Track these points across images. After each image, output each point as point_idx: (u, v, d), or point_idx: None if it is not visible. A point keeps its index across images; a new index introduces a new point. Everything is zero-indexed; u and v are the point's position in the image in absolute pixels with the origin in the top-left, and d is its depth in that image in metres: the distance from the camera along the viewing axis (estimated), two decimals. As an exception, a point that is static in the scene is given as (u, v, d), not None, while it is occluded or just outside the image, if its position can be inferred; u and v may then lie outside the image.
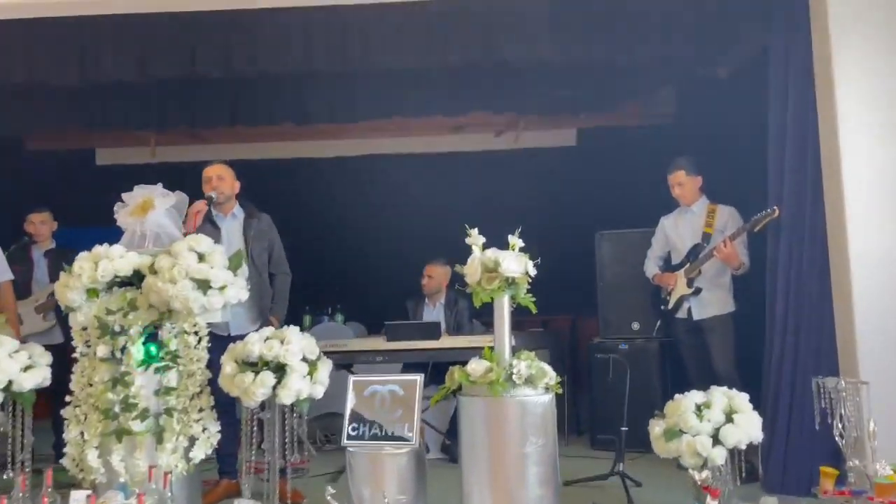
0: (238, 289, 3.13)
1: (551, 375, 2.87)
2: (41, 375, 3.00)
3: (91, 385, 2.98)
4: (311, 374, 3.05)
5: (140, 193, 3.24)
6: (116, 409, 2.93)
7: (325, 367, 3.12)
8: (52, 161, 8.41)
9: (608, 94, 6.01)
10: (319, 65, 4.51)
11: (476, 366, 2.85)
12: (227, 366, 3.01)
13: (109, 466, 2.94)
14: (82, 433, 2.96)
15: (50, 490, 2.83)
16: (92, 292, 3.05)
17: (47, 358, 3.10)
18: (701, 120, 5.42)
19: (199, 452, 3.02)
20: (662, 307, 4.27)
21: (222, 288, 3.06)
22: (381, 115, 6.08)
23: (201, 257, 3.06)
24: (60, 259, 4.02)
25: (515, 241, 2.98)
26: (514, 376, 2.76)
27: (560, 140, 8.45)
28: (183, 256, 3.01)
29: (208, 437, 3.07)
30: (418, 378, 3.04)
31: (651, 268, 4.39)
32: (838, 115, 3.43)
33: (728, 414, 3.00)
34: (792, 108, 3.65)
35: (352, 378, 3.15)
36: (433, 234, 8.13)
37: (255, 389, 2.91)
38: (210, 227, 3.83)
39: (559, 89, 5.81)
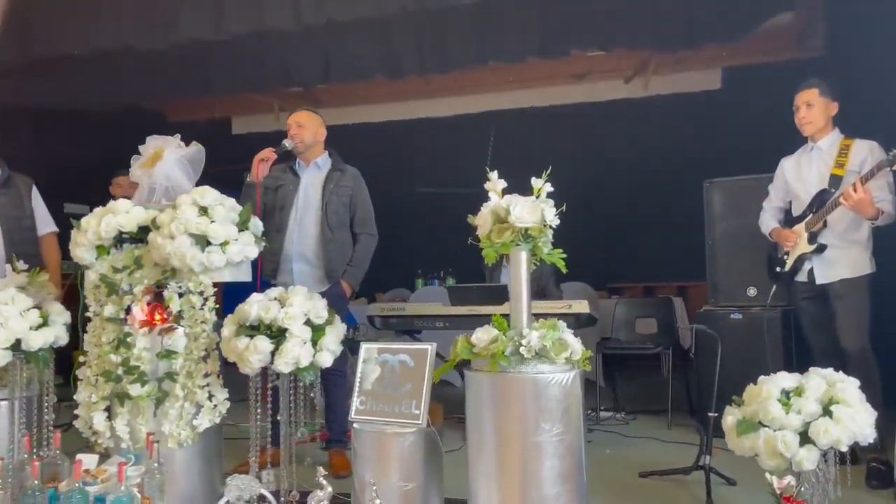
0: (244, 245, 2.85)
1: (575, 349, 2.30)
2: (53, 334, 2.93)
3: (98, 346, 2.86)
4: (315, 340, 2.72)
5: (152, 145, 3.06)
6: (120, 371, 2.78)
7: (335, 332, 2.78)
8: (192, 133, 8.85)
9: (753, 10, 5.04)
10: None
11: (482, 334, 2.36)
12: (227, 328, 2.76)
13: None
14: (91, 396, 2.85)
15: (58, 452, 2.76)
16: (101, 249, 2.92)
17: (65, 316, 3.03)
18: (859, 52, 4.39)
19: (204, 421, 2.80)
20: (778, 269, 3.46)
21: (224, 244, 2.80)
22: (476, 62, 5.58)
23: (203, 211, 2.81)
24: None
25: (540, 184, 2.43)
26: (522, 348, 2.24)
27: (701, 84, 7.49)
28: (182, 210, 2.79)
29: (215, 404, 2.85)
30: (430, 347, 2.60)
31: (768, 221, 3.58)
32: None
33: (826, 405, 2.28)
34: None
35: (363, 345, 2.79)
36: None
37: (248, 356, 2.64)
38: (291, 175, 3.66)
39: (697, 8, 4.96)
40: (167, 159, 2.99)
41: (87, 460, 2.70)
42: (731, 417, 2.45)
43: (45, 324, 2.94)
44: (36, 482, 2.41)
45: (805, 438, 2.24)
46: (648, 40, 5.44)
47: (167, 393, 2.78)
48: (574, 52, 5.58)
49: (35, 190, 3.79)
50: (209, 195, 2.86)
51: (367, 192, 3.71)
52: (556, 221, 2.36)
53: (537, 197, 2.44)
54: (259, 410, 2.80)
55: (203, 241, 2.76)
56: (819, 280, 3.27)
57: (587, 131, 7.74)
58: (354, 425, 2.64)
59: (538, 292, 4.37)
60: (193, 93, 6.37)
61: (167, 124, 8.80)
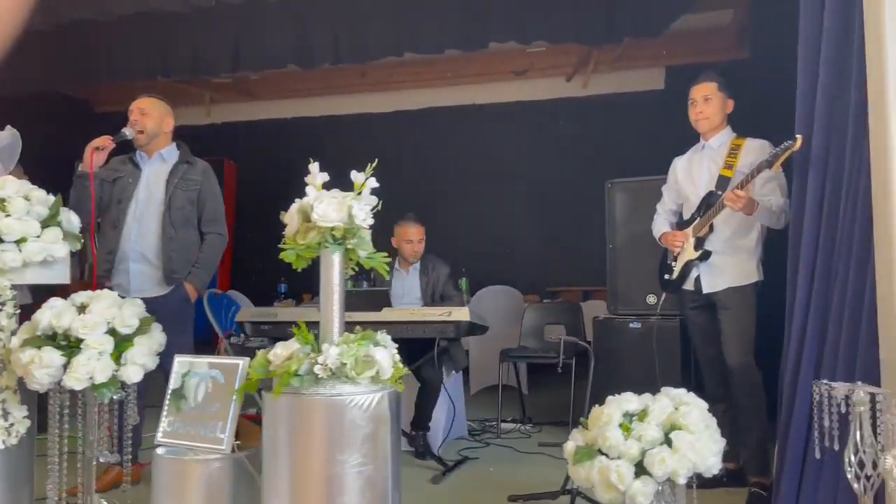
0: (47, 243, 2.53)
1: (383, 367, 2.00)
2: None
3: None
4: (120, 352, 2.40)
5: (-44, 129, 2.72)
6: None
7: (147, 343, 2.46)
8: (121, 122, 8.47)
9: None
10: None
11: (280, 350, 2.05)
12: (17, 337, 2.43)
13: None
14: None
15: None
16: None
17: None
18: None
19: (-4, 440, 2.47)
20: (667, 276, 3.19)
21: (20, 241, 2.47)
22: (393, 52, 5.26)
23: (1, 203, 2.49)
24: None
25: (361, 178, 2.13)
26: (317, 367, 1.93)
27: (644, 83, 7.26)
28: (-25, 203, 2.46)
29: (11, 423, 2.51)
30: (241, 363, 2.29)
31: (660, 225, 3.31)
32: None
33: (668, 431, 2.01)
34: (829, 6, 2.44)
35: (176, 357, 2.47)
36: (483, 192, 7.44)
37: (32, 370, 2.31)
38: (131, 167, 3.34)
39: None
40: (-31, 146, 2.65)
41: None
42: (571, 443, 2.17)
43: None
44: None
45: (641, 469, 1.96)
46: (573, 34, 5.16)
47: (-49, 410, 2.45)
48: (507, 45, 5.28)
49: None
50: (10, 186, 2.54)
51: (219, 188, 3.40)
52: (368, 221, 2.05)
53: (359, 193, 2.14)
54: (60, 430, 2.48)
55: (-5, 238, 2.43)
56: (705, 289, 3.01)
57: (528, 129, 7.49)
58: (157, 450, 2.32)
59: (435, 296, 4.07)
60: (95, 79, 5.96)
61: (95, 114, 8.46)
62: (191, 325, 3.28)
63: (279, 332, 3.71)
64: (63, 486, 2.50)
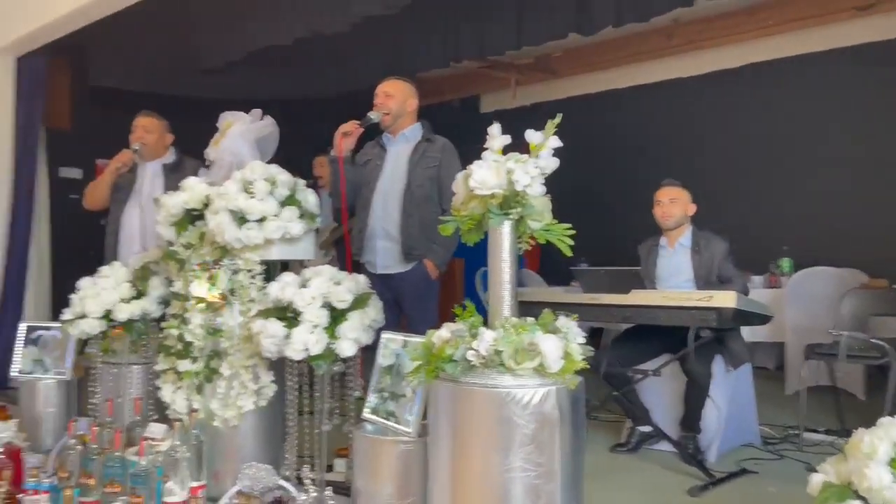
0: (285, 222, 2.70)
1: (548, 358, 1.68)
2: (140, 307, 3.11)
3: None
4: (334, 325, 2.47)
5: (224, 121, 3.06)
6: (179, 346, 2.85)
7: (359, 318, 2.49)
8: (443, 113, 9.07)
9: None
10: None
11: (444, 332, 1.86)
12: (253, 309, 2.64)
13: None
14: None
15: (137, 419, 2.95)
16: (180, 226, 3.01)
17: (161, 290, 3.19)
18: None
19: (247, 402, 2.73)
20: None
21: (261, 220, 2.68)
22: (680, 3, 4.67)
23: (247, 187, 2.73)
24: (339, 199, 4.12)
25: (539, 136, 1.84)
26: (470, 353, 1.71)
27: None
28: (226, 186, 2.74)
29: (260, 386, 2.76)
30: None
31: None
32: None
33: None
34: None
35: (382, 334, 2.46)
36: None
37: (261, 339, 2.49)
38: (378, 149, 3.47)
39: None
40: (231, 134, 2.97)
41: (155, 429, 2.83)
42: (818, 476, 1.63)
43: (138, 297, 3.14)
44: (71, 440, 2.58)
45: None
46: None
47: (214, 371, 2.77)
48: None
49: (204, 171, 4.10)
50: (258, 170, 2.77)
51: (458, 164, 3.29)
52: (535, 188, 1.76)
53: (536, 156, 1.86)
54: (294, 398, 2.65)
55: (241, 218, 2.68)
56: None
57: (873, 77, 6.11)
58: (359, 426, 2.33)
59: (710, 278, 3.49)
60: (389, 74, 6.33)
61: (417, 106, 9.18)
62: (432, 302, 3.27)
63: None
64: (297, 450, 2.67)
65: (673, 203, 3.48)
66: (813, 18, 6.27)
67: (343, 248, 4.44)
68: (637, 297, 3.00)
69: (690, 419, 3.30)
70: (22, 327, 3.67)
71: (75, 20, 4.77)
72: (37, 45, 5.24)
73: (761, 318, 3.14)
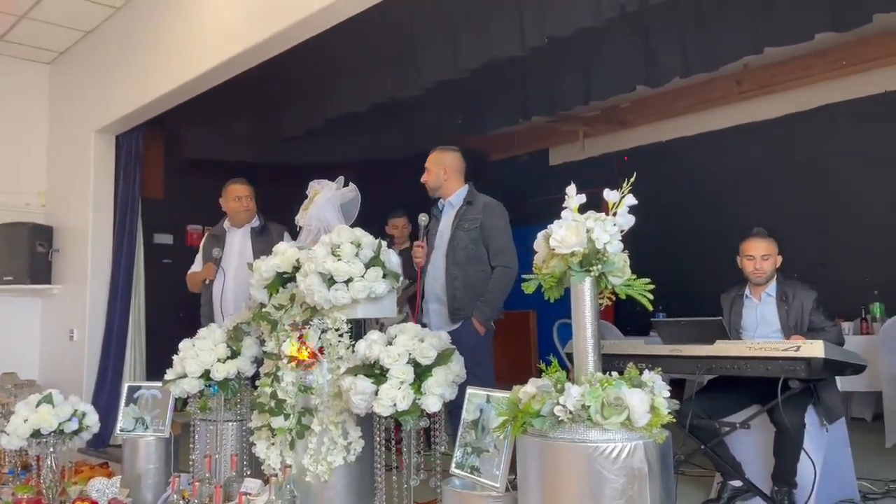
0: (370, 282, 2.83)
1: (635, 412, 1.71)
2: (236, 366, 3.26)
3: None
4: (420, 381, 2.55)
5: (312, 189, 3.24)
6: (272, 403, 2.98)
7: (444, 373, 2.56)
8: (513, 167, 9.22)
9: None
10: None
11: (530, 387, 1.91)
12: (342, 366, 2.75)
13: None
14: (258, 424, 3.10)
15: (233, 474, 3.07)
16: (272, 288, 3.18)
17: (254, 350, 3.35)
18: None
19: (337, 457, 2.83)
20: None
21: (348, 281, 2.81)
22: (751, 51, 4.67)
23: (334, 250, 2.88)
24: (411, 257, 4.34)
25: (615, 195, 1.91)
26: (557, 408, 1.75)
27: None
28: (315, 250, 2.90)
29: (349, 441, 2.85)
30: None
31: None
32: None
33: None
34: None
35: (469, 389, 2.51)
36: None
37: (351, 396, 2.59)
38: (434, 220, 3.68)
39: None
40: (318, 202, 3.14)
41: (252, 485, 2.95)
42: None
43: (233, 356, 3.31)
44: (174, 496, 2.71)
45: None
46: None
47: (306, 427, 2.88)
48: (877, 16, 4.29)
49: (287, 235, 4.32)
50: (344, 234, 2.92)
51: (502, 220, 3.46)
52: (613, 245, 1.81)
53: (614, 214, 1.92)
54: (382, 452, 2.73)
55: (329, 280, 2.82)
56: None
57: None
58: (447, 481, 2.38)
59: (798, 327, 3.41)
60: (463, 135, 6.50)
61: (489, 163, 9.35)
62: (487, 359, 3.35)
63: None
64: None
65: (766, 259, 3.43)
66: (887, 58, 6.17)
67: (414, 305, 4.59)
68: (721, 348, 2.97)
69: (784, 472, 3.19)
70: (124, 387, 3.89)
71: (169, 100, 5.16)
72: (134, 124, 5.66)
73: (855, 368, 3.04)
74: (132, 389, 3.82)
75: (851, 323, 5.32)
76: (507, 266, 3.42)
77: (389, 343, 2.62)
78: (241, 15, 4.31)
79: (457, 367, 2.62)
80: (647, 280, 1.88)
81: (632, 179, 1.93)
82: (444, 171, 3.57)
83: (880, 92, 6.24)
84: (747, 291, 3.55)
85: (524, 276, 2.00)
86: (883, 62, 6.19)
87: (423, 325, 3.37)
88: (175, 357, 3.29)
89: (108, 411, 4.76)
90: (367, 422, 2.87)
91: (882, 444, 4.55)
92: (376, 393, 2.53)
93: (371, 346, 2.61)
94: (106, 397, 5.02)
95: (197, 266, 4.29)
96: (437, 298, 3.48)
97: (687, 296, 5.82)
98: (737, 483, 3.31)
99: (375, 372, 2.61)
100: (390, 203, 5.75)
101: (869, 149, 6.27)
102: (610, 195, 1.91)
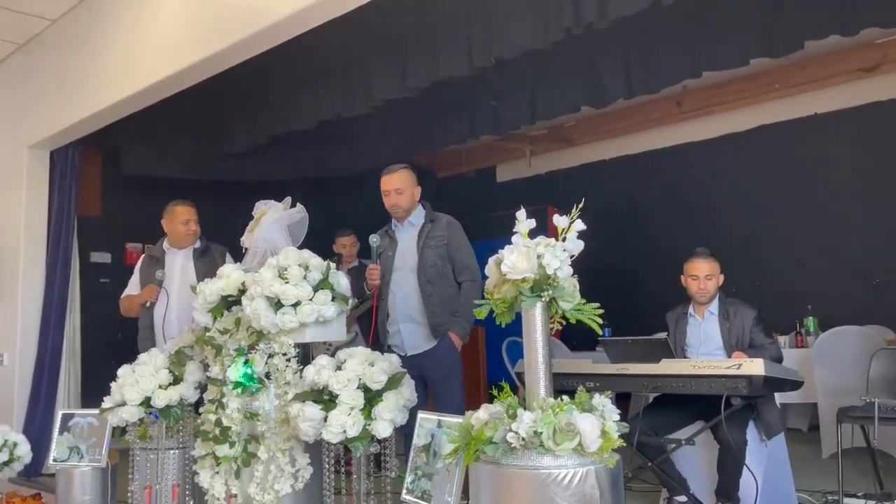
0: (319, 305, 2.78)
1: (587, 437, 1.72)
2: (178, 393, 3.16)
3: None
4: (371, 406, 2.51)
5: (258, 210, 3.19)
6: (217, 431, 2.89)
7: (394, 399, 2.53)
8: (461, 184, 9.27)
9: None
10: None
11: (482, 413, 1.91)
12: (290, 392, 2.70)
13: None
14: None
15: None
16: (216, 312, 3.10)
17: (197, 376, 3.25)
18: None
19: (284, 485, 2.76)
20: None
21: (296, 304, 2.76)
22: (690, 75, 4.82)
23: (281, 272, 2.83)
24: (360, 276, 4.25)
25: (564, 221, 1.93)
26: (510, 434, 1.75)
27: None
28: (262, 273, 2.84)
29: (297, 469, 2.79)
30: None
31: None
32: None
33: None
34: None
35: (419, 413, 2.49)
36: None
37: (299, 423, 2.53)
38: (388, 241, 3.63)
39: None
40: (265, 223, 3.09)
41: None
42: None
43: (175, 382, 3.20)
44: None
45: None
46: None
47: (252, 455, 2.81)
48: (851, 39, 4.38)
49: (228, 256, 4.22)
50: (291, 256, 2.87)
51: (464, 236, 3.49)
52: (563, 270, 1.83)
53: (563, 239, 1.94)
54: (330, 480, 2.68)
55: (276, 303, 2.76)
56: None
57: (882, 135, 6.21)
58: (399, 508, 2.36)
59: (740, 344, 3.50)
60: (418, 149, 6.51)
61: (436, 179, 9.37)
62: (458, 372, 3.35)
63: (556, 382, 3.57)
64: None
65: (709, 279, 3.50)
66: (818, 82, 6.45)
67: (365, 324, 4.53)
68: (667, 367, 3.03)
69: (727, 488, 3.26)
70: (58, 414, 3.73)
71: (108, 116, 5.00)
72: (70, 140, 5.47)
73: (792, 384, 3.14)
74: (66, 417, 3.66)
75: (787, 336, 5.50)
76: (474, 280, 3.44)
77: (339, 368, 2.58)
78: (186, 31, 4.22)
79: (407, 391, 2.59)
80: (597, 305, 1.90)
81: (580, 205, 1.95)
82: (415, 191, 3.55)
83: (811, 114, 6.52)
84: (691, 310, 3.63)
85: (476, 301, 2.00)
86: (813, 86, 6.47)
87: (389, 348, 3.36)
88: (113, 384, 3.16)
89: (40, 439, 4.56)
90: (315, 448, 2.81)
91: (819, 454, 4.70)
92: (325, 419, 2.49)
93: (320, 371, 2.56)
94: (38, 425, 4.81)
95: (132, 289, 4.13)
96: (411, 318, 3.43)
97: (631, 311, 5.94)
98: (682, 498, 3.37)
99: (324, 398, 2.56)
100: (337, 221, 5.71)
101: (800, 168, 6.53)
102: (559, 220, 1.93)
